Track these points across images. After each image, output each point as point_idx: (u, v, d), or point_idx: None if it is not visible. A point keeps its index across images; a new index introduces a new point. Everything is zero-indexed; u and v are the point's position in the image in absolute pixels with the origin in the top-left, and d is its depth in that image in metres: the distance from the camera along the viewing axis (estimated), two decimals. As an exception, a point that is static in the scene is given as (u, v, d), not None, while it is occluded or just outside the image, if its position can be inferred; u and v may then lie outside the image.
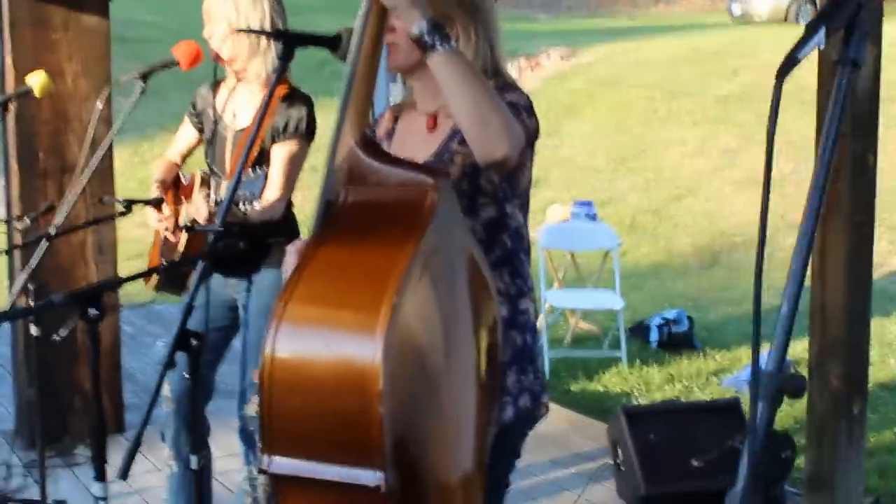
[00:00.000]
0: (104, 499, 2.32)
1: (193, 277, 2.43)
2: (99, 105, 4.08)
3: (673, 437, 4.70)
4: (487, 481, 2.43)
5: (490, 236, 2.55)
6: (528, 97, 2.54)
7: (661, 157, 13.62)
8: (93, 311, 2.28)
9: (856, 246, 4.40)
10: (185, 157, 4.16)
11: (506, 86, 2.52)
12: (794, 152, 11.83)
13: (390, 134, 2.69)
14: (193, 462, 2.44)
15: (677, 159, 13.50)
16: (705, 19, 24.00)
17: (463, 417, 2.32)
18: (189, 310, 2.26)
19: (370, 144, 2.31)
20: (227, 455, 4.51)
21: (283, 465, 1.98)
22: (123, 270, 5.28)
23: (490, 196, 2.53)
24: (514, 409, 2.60)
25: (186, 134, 4.12)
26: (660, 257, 11.17)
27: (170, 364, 2.20)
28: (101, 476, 2.33)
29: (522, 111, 2.47)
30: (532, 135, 2.50)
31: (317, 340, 1.97)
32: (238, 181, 2.55)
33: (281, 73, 2.44)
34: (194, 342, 2.28)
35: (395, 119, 2.72)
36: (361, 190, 2.22)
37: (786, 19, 21.56)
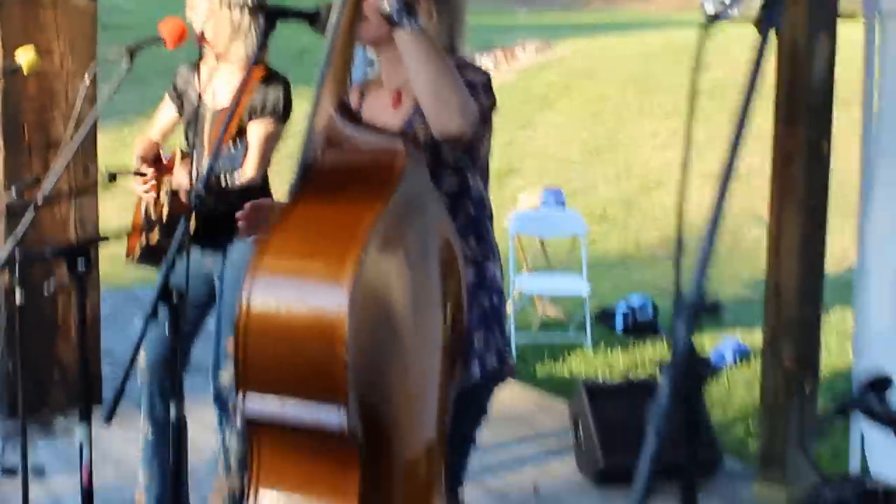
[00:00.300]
0: (88, 441, 2.47)
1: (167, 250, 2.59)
2: (86, 81, 4.21)
3: (632, 413, 4.88)
4: (455, 437, 2.60)
5: (454, 204, 2.72)
6: (486, 74, 2.73)
7: (632, 150, 13.81)
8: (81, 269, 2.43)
9: (810, 230, 4.60)
10: (165, 136, 4.32)
11: (465, 64, 2.70)
12: (760, 146, 12.03)
13: (358, 110, 2.85)
14: (173, 411, 2.58)
15: (648, 152, 13.70)
16: (680, 16, 24.23)
17: (428, 378, 2.49)
18: (172, 264, 2.42)
19: (347, 112, 2.49)
20: (201, 428, 4.65)
21: (257, 405, 2.16)
22: (104, 252, 5.41)
23: (452, 167, 2.71)
24: (482, 368, 2.76)
25: (167, 113, 4.28)
26: (628, 247, 11.36)
27: (153, 314, 2.36)
28: (86, 416, 2.48)
29: (480, 89, 2.65)
30: (487, 111, 2.68)
31: (288, 289, 2.15)
32: (218, 153, 2.72)
33: (263, 45, 2.61)
34: (175, 299, 2.43)
35: (362, 95, 2.89)
36: (337, 153, 2.40)
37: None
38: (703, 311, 1.47)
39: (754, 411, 5.57)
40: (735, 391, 6.42)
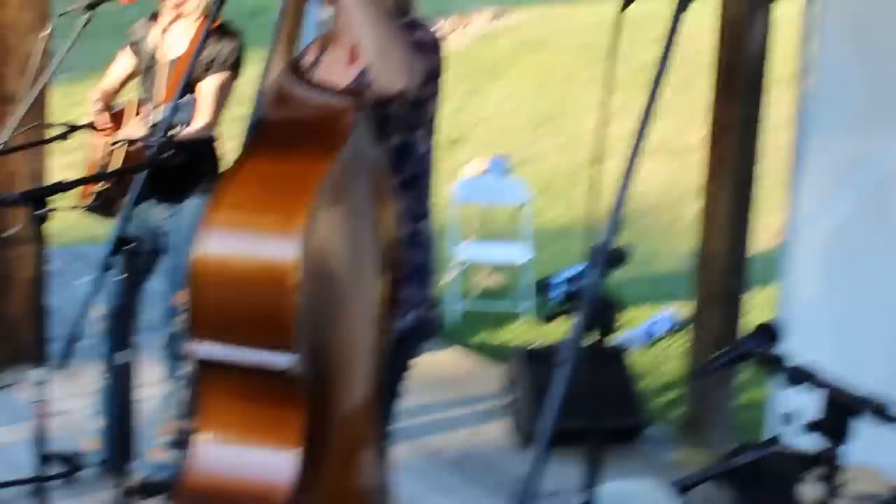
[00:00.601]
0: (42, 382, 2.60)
1: (126, 199, 2.72)
2: (42, 35, 4.27)
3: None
4: (381, 389, 2.74)
5: (398, 161, 2.85)
6: (435, 35, 2.87)
7: (580, 121, 13.97)
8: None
9: (739, 203, 4.78)
10: (120, 87, 4.45)
11: (414, 23, 2.84)
12: (703, 121, 12.26)
13: (316, 62, 2.98)
14: (125, 355, 2.70)
15: (596, 124, 13.88)
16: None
17: (365, 328, 2.63)
18: (129, 214, 2.55)
19: (297, 70, 2.65)
20: (148, 384, 4.78)
21: (208, 349, 2.30)
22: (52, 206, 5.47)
23: (399, 124, 2.84)
24: (413, 318, 2.90)
25: (123, 64, 4.42)
26: (572, 218, 11.53)
27: (107, 267, 2.49)
28: (40, 359, 2.61)
29: (428, 48, 2.79)
30: (435, 70, 2.82)
31: (241, 241, 2.30)
32: (175, 105, 2.87)
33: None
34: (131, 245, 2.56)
35: (322, 49, 3.01)
36: (287, 111, 2.54)
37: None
38: (611, 255, 1.67)
39: (683, 381, 5.76)
40: (667, 362, 6.60)
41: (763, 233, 5.28)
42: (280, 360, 2.27)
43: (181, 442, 4.26)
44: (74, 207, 4.40)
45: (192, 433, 2.38)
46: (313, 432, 2.36)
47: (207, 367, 2.36)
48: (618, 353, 5.31)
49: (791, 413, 2.45)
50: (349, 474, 2.65)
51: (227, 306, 2.30)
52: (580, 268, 8.22)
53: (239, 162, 2.45)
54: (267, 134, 2.51)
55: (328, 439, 2.46)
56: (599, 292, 1.70)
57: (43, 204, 2.68)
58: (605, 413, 4.51)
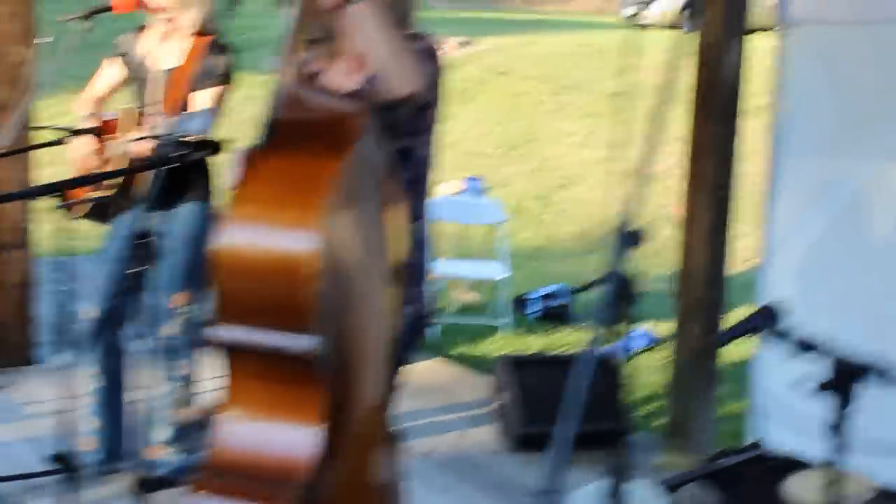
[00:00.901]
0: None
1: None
2: (31, 46, 4.34)
3: (552, 384, 5.19)
4: None
5: (402, 163, 3.00)
6: (431, 44, 3.03)
7: (548, 147, 14.18)
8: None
9: (717, 220, 4.97)
10: (106, 96, 4.57)
11: (415, 35, 3.01)
12: (676, 148, 12.51)
13: (321, 71, 3.10)
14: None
15: (564, 149, 14.08)
16: (598, 18, 24.72)
17: (379, 324, 2.77)
18: (148, 210, 2.68)
19: (308, 76, 2.80)
20: (143, 385, 4.86)
21: (233, 333, 2.43)
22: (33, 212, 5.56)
23: (402, 129, 3.00)
24: (408, 313, 3.02)
25: (110, 74, 4.52)
26: (543, 241, 11.69)
27: (128, 259, 2.61)
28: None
29: (428, 57, 2.96)
30: (435, 76, 2.99)
31: (262, 233, 2.43)
32: (181, 116, 3.00)
33: (228, 13, 2.90)
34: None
35: (325, 60, 3.14)
36: (299, 115, 2.69)
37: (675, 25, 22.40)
38: (629, 235, 1.82)
39: (659, 393, 5.91)
40: (643, 375, 6.75)
41: (741, 254, 5.45)
42: (301, 342, 2.39)
43: (181, 437, 4.38)
44: (69, 212, 4.49)
45: (217, 413, 2.50)
46: (333, 415, 2.48)
47: (233, 350, 2.48)
48: (609, 360, 5.48)
49: (800, 378, 2.60)
50: (364, 469, 2.78)
51: (250, 295, 2.42)
52: (555, 287, 8.41)
53: (255, 161, 2.59)
54: (281, 135, 2.65)
55: (346, 426, 2.57)
56: (622, 271, 1.84)
57: (63, 196, 2.78)
58: (598, 416, 4.69)
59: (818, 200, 4.95)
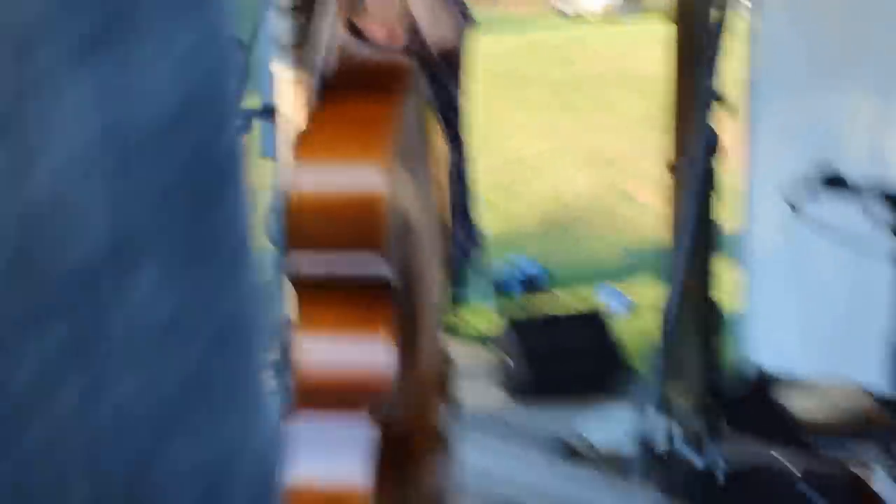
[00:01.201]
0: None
1: None
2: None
3: (557, 339, 5.49)
4: None
5: (441, 115, 3.21)
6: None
7: (506, 141, 14.46)
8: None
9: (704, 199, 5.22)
10: None
11: None
12: (627, 132, 12.87)
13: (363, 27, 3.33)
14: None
15: (522, 141, 14.37)
16: (545, 18, 25.16)
17: (434, 272, 2.97)
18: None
19: (355, 29, 2.98)
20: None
21: (306, 260, 2.61)
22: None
23: (438, 81, 3.21)
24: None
25: None
26: (507, 228, 11.94)
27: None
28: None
29: (462, 8, 3.18)
30: (469, 27, 3.21)
31: (331, 171, 2.62)
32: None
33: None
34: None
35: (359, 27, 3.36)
36: (352, 66, 2.88)
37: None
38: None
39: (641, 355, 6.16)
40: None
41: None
42: (379, 267, 2.57)
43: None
44: None
45: (296, 341, 2.68)
46: (404, 336, 2.67)
47: (306, 279, 2.66)
48: (597, 314, 5.78)
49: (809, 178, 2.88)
50: (428, 420, 2.95)
51: (325, 225, 2.60)
52: (525, 260, 8.85)
53: (315, 107, 2.78)
54: (336, 82, 2.85)
55: (411, 372, 2.77)
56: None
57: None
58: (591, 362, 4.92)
59: (796, 140, 5.23)
